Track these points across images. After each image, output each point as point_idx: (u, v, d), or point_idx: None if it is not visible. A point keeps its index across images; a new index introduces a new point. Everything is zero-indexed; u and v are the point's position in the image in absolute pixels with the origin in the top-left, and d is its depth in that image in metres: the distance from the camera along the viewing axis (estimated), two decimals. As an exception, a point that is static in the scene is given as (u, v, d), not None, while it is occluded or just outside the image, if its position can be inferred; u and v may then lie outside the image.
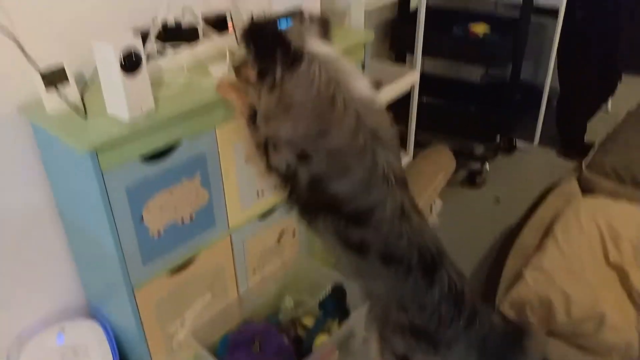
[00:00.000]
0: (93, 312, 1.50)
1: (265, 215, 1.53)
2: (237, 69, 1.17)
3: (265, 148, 1.10)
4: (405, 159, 2.26)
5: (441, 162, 2.24)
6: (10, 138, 1.23)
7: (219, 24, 1.45)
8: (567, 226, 1.67)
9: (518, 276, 1.56)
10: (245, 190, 1.43)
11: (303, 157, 1.06)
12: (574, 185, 1.99)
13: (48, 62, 1.12)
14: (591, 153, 2.19)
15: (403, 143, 2.28)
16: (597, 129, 2.66)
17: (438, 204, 2.23)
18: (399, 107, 2.16)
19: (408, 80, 2.06)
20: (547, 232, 1.70)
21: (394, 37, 2.33)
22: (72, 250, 1.43)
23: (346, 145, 1.03)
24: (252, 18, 1.14)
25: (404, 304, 1.11)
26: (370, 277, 1.16)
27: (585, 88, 2.48)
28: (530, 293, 1.49)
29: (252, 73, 1.09)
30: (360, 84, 1.06)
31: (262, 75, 1.07)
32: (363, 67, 1.65)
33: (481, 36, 2.23)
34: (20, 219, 1.31)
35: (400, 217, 1.06)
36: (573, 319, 1.42)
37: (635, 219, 1.70)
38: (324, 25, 1.13)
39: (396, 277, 1.10)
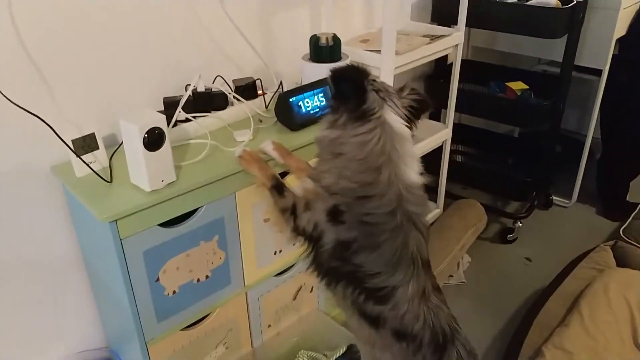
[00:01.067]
0: (112, 356, 1.57)
1: (282, 272, 1.57)
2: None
3: (293, 210, 1.13)
4: (436, 211, 2.26)
5: (472, 217, 2.21)
6: (44, 194, 1.34)
7: (248, 90, 1.53)
8: (594, 301, 1.61)
9: (538, 352, 1.51)
10: (263, 249, 1.47)
11: (335, 215, 1.07)
12: (607, 254, 1.91)
13: (83, 125, 1.23)
14: (630, 218, 2.10)
15: (434, 194, 2.28)
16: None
17: (466, 260, 2.20)
18: (433, 157, 2.17)
19: (441, 136, 2.07)
20: (574, 305, 1.64)
21: (428, 92, 2.34)
22: (95, 297, 1.52)
23: (382, 220, 1.05)
24: (350, 64, 1.20)
25: None
26: (380, 347, 1.17)
27: (629, 148, 2.39)
28: (549, 371, 1.44)
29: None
30: (410, 169, 1.08)
31: (332, 109, 1.13)
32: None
33: (518, 94, 2.20)
34: (49, 267, 1.41)
35: (420, 299, 1.09)
36: (592, 405, 1.36)
37: (670, 296, 1.62)
38: (421, 105, 1.15)
39: (406, 353, 1.12)
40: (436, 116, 2.40)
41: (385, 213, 1.05)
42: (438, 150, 2.14)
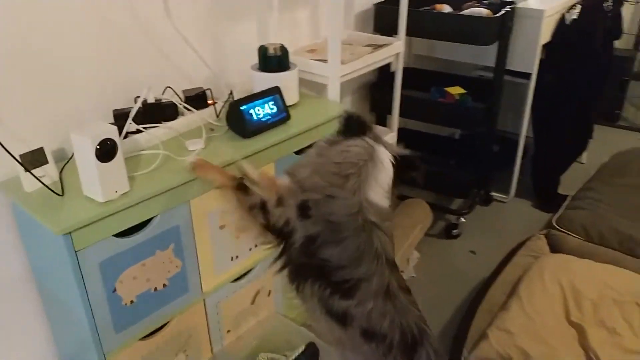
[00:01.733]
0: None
1: (240, 277, 1.60)
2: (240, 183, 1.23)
3: (262, 206, 1.16)
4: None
5: (418, 216, 2.32)
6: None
7: (198, 100, 1.56)
8: (531, 285, 1.74)
9: (483, 335, 1.62)
10: (219, 256, 1.50)
11: (304, 210, 1.12)
12: (542, 242, 2.06)
13: (30, 140, 1.22)
14: (562, 209, 2.27)
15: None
16: (572, 180, 2.76)
17: (415, 256, 2.30)
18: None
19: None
20: (513, 290, 1.77)
21: (374, 100, 2.46)
22: (47, 315, 1.49)
23: (345, 219, 1.11)
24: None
25: None
26: (350, 348, 1.19)
27: (558, 145, 2.58)
28: (493, 352, 1.55)
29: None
30: (375, 192, 1.15)
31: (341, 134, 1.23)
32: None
33: (457, 98, 2.34)
34: None
35: (385, 295, 1.12)
36: (532, 380, 1.48)
37: (597, 278, 1.77)
38: (410, 164, 1.27)
39: (377, 353, 1.14)
40: (382, 121, 2.50)
41: (348, 215, 1.11)
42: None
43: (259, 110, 1.51)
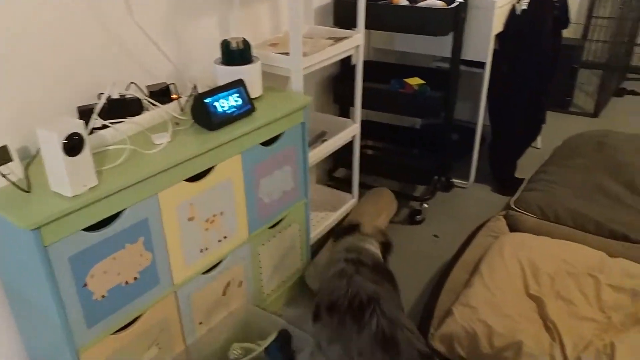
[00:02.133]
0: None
1: (210, 269, 1.62)
2: None
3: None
4: (351, 201, 2.41)
5: (383, 203, 2.39)
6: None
7: (162, 95, 1.57)
8: (492, 263, 1.83)
9: (448, 312, 1.69)
10: (189, 247, 1.52)
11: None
12: (501, 223, 2.16)
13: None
14: (519, 191, 2.38)
15: (349, 186, 2.44)
16: (528, 164, 2.88)
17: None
18: (345, 152, 2.33)
19: (350, 131, 2.22)
20: (475, 269, 1.85)
21: (336, 92, 2.51)
22: (15, 315, 1.48)
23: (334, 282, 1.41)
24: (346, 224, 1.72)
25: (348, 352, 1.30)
26: (328, 337, 1.36)
27: (513, 131, 2.69)
28: (458, 327, 1.62)
29: None
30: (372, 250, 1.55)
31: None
32: (303, 127, 1.79)
33: (416, 89, 2.42)
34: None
35: (340, 275, 1.38)
36: (495, 349, 1.55)
37: (554, 253, 1.87)
38: (387, 247, 1.68)
39: (335, 326, 1.31)
40: (345, 113, 2.56)
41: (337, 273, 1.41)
42: (350, 145, 2.29)
43: (223, 102, 1.53)
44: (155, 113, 1.54)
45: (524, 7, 2.43)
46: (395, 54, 2.80)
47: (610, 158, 2.57)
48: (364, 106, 2.32)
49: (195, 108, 1.52)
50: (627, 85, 4.19)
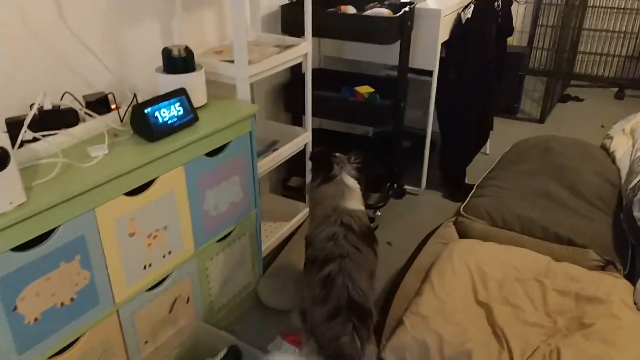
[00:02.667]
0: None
1: (155, 286, 1.56)
2: None
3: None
4: (305, 210, 2.38)
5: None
6: None
7: (100, 105, 1.50)
8: (441, 270, 1.84)
9: (399, 322, 1.68)
10: (131, 264, 1.46)
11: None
12: (451, 229, 2.18)
13: None
14: (468, 197, 2.42)
15: (303, 195, 2.41)
16: (477, 170, 2.94)
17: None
18: (298, 160, 2.30)
19: (301, 140, 2.20)
20: (426, 276, 1.86)
21: (287, 100, 2.49)
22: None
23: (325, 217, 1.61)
24: (321, 149, 1.78)
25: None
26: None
27: (461, 138, 2.74)
28: (409, 337, 1.62)
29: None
30: (352, 202, 1.65)
31: (312, 177, 1.73)
32: (250, 136, 1.75)
33: (366, 97, 2.42)
34: None
35: (330, 239, 1.55)
36: (446, 359, 1.56)
37: (501, 258, 1.90)
38: (361, 171, 1.75)
39: (312, 277, 1.52)
40: (297, 121, 2.54)
41: (328, 236, 1.56)
42: (302, 154, 2.27)
43: (164, 112, 1.48)
44: (92, 124, 1.47)
45: (469, 15, 2.49)
46: (346, 62, 2.81)
47: (555, 162, 2.64)
48: (315, 114, 2.31)
49: (134, 118, 1.46)
50: (571, 91, 4.36)
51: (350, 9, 2.35)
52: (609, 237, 2.06)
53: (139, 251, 1.47)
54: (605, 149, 2.95)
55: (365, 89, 2.48)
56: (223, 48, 1.97)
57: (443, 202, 2.77)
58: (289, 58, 1.97)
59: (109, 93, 1.52)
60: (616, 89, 4.39)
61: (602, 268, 1.92)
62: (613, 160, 2.76)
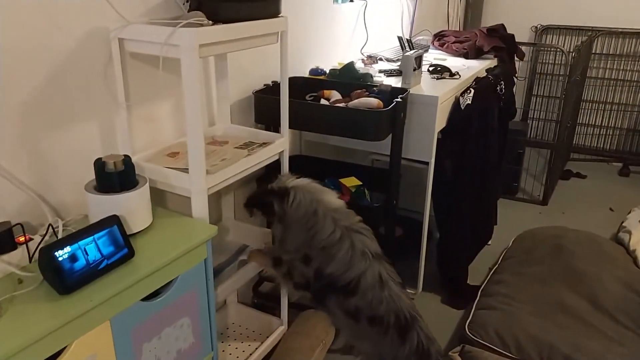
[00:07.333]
0: None
1: None
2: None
3: (289, 275, 1.58)
4: (280, 328, 2.00)
5: (319, 333, 1.98)
6: None
7: (1, 240, 1.14)
8: None
9: None
10: None
11: (307, 259, 1.51)
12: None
13: None
14: (472, 309, 2.06)
15: (277, 303, 2.04)
16: (479, 263, 2.61)
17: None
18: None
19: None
20: None
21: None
22: None
23: (329, 240, 1.49)
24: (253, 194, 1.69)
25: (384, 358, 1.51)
26: (361, 338, 1.55)
27: (462, 232, 2.40)
28: None
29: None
30: (331, 197, 1.57)
31: (269, 216, 1.59)
32: (206, 265, 1.39)
33: (353, 191, 2.10)
34: None
35: (379, 284, 1.48)
36: None
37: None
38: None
39: (378, 335, 1.48)
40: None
41: (328, 234, 1.49)
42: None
43: (85, 252, 1.12)
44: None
45: (469, 101, 2.21)
46: (330, 147, 2.49)
47: (568, 265, 2.32)
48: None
49: (42, 264, 1.10)
50: (572, 166, 4.10)
51: (335, 95, 2.05)
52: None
53: None
54: (621, 243, 2.65)
55: (351, 182, 2.17)
56: (180, 147, 1.64)
57: (443, 309, 2.39)
58: (261, 159, 1.64)
59: (17, 224, 1.17)
60: (620, 164, 4.14)
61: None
62: (635, 261, 2.44)
